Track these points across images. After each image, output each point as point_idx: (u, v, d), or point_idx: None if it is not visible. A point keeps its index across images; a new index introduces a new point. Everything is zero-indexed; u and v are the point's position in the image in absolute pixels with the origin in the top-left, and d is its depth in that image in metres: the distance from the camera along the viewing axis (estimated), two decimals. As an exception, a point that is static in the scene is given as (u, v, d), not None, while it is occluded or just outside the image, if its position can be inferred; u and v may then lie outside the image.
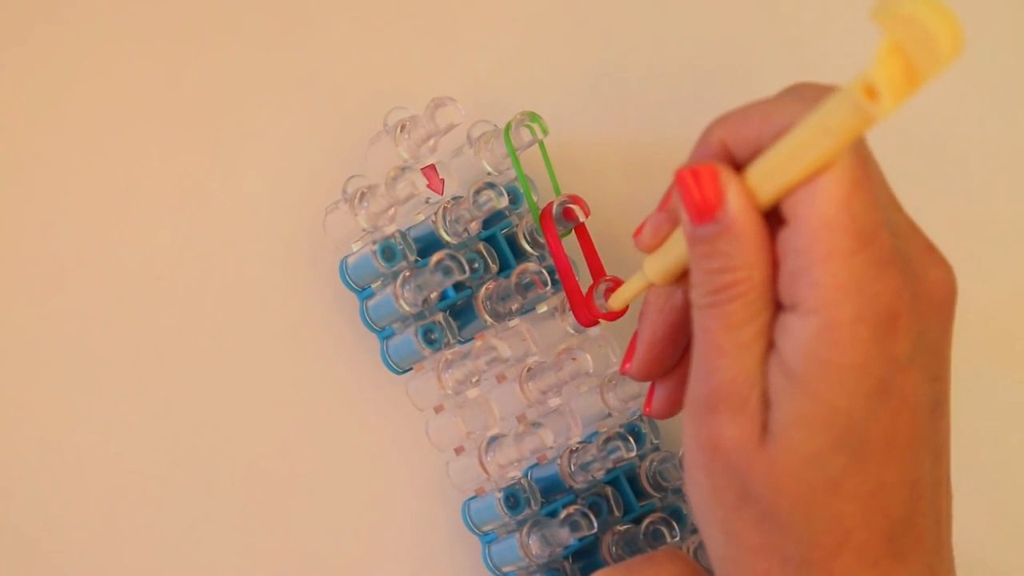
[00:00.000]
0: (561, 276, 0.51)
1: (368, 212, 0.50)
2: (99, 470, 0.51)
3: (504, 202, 0.49)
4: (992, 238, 0.57)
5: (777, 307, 0.37)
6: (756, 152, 0.37)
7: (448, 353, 0.50)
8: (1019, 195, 0.58)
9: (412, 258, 0.50)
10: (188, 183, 0.53)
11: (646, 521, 0.50)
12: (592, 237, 0.52)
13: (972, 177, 0.58)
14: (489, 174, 0.51)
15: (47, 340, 0.51)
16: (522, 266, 0.50)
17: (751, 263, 0.36)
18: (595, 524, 0.48)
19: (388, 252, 0.50)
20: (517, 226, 0.52)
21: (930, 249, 0.38)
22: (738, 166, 0.37)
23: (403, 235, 0.50)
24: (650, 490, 0.51)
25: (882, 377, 0.35)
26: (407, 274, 0.49)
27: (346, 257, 0.51)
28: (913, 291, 0.36)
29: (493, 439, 0.50)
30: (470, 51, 0.56)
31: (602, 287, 0.50)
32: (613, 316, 0.50)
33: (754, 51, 0.58)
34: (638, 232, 0.42)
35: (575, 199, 0.51)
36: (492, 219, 0.52)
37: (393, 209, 0.49)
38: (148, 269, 0.52)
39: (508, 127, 0.50)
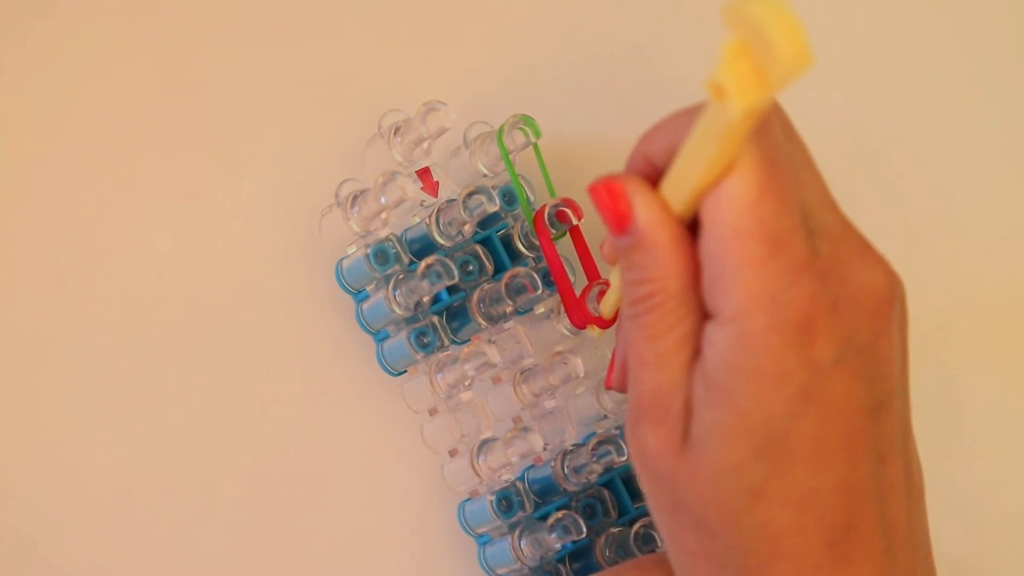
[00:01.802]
0: (555, 278, 0.51)
1: (360, 216, 0.50)
2: (98, 469, 0.51)
3: (495, 206, 0.49)
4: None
5: (704, 315, 0.37)
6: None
7: (440, 356, 0.50)
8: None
9: (406, 261, 0.50)
10: (188, 183, 0.53)
11: (636, 525, 0.50)
12: (587, 238, 0.52)
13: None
14: (485, 176, 0.51)
15: (47, 339, 0.52)
16: (512, 270, 0.50)
17: (666, 274, 0.36)
18: (583, 529, 0.48)
19: (381, 256, 0.50)
20: (512, 228, 0.52)
21: (863, 249, 0.37)
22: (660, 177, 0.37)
23: (397, 238, 0.50)
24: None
25: (803, 383, 0.35)
26: (400, 277, 0.49)
27: (342, 260, 0.52)
28: (835, 294, 0.35)
29: (485, 442, 0.50)
30: (469, 52, 0.56)
31: (595, 290, 0.50)
32: (605, 323, 0.50)
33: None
34: (602, 246, 0.42)
35: (568, 202, 0.51)
36: (487, 221, 0.52)
37: (386, 213, 0.50)
38: (148, 268, 0.52)
39: (501, 131, 0.50)
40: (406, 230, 0.51)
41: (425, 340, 0.50)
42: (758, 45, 0.30)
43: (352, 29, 0.55)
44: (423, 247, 0.51)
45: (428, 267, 0.48)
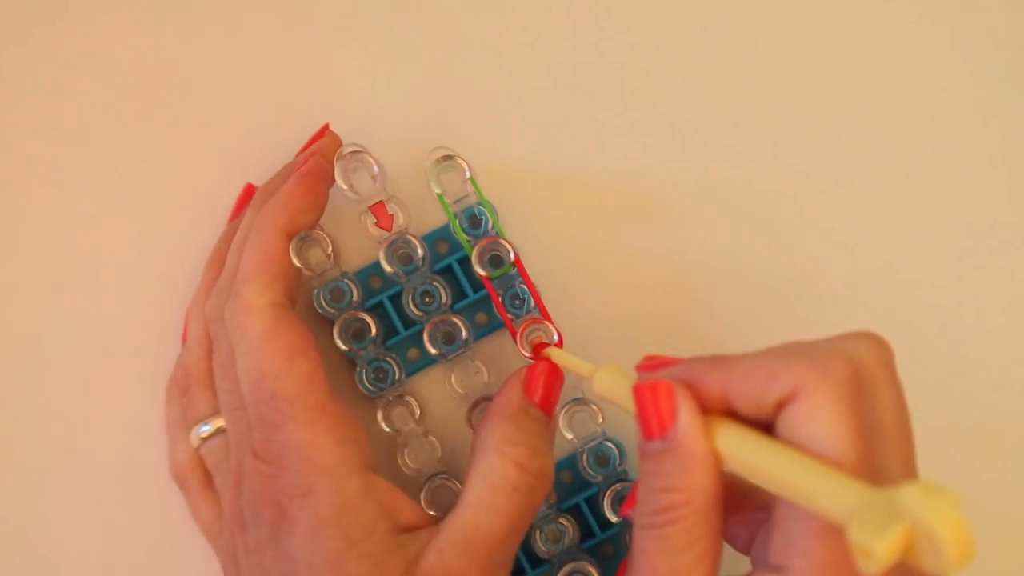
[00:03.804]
0: (500, 314, 0.50)
1: (307, 262, 0.51)
2: (96, 470, 0.53)
3: (418, 255, 0.49)
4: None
5: (718, 539, 0.37)
6: (757, 406, 0.36)
7: (386, 396, 0.52)
8: None
9: (357, 299, 0.51)
10: (189, 185, 0.54)
11: (566, 568, 0.50)
12: (542, 257, 0.52)
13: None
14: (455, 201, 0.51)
15: (47, 339, 0.53)
16: (437, 317, 0.50)
17: (694, 487, 0.36)
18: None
19: (337, 294, 0.52)
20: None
21: None
22: (733, 414, 0.37)
23: (348, 277, 0.52)
24: (612, 517, 0.51)
25: None
26: (345, 317, 0.51)
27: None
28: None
29: (428, 478, 0.51)
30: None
31: (528, 329, 0.50)
32: (540, 360, 0.49)
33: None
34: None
35: (496, 242, 0.50)
36: (452, 248, 0.52)
37: (330, 257, 0.51)
38: (149, 269, 0.54)
39: (428, 176, 0.50)
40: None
41: (382, 374, 0.52)
42: (924, 541, 0.30)
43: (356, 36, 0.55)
44: (390, 279, 0.52)
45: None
